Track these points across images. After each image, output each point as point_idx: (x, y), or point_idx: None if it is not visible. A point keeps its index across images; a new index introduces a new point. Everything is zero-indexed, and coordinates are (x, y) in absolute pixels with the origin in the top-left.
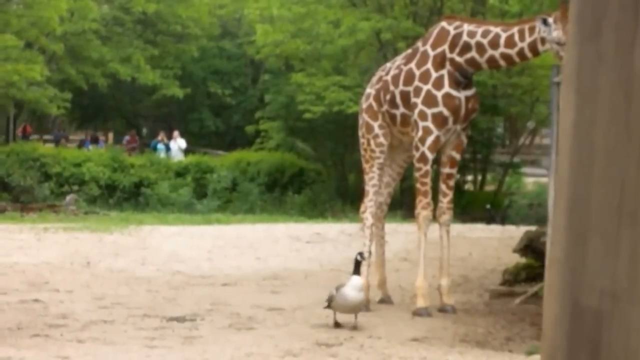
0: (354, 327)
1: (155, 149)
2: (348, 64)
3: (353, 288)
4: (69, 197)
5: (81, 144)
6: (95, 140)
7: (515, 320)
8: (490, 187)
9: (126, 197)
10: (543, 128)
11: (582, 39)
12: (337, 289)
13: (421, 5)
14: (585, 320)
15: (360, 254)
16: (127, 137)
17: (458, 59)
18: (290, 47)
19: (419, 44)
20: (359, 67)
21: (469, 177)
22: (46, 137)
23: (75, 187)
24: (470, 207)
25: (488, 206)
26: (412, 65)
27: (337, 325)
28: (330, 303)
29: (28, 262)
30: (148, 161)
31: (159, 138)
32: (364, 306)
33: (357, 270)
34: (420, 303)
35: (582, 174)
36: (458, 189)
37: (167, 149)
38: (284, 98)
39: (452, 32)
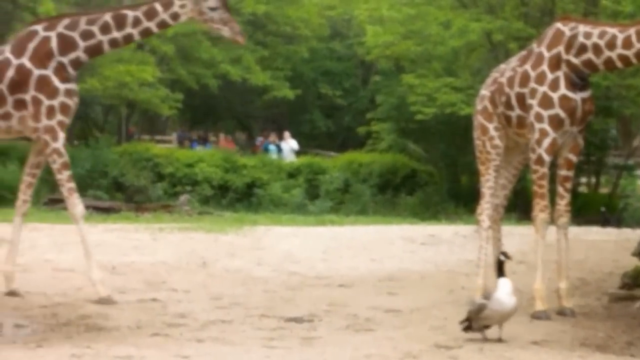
0: (500, 339)
1: (267, 149)
2: (459, 65)
3: (505, 292)
4: (182, 197)
5: (191, 145)
6: (204, 141)
7: (636, 325)
8: (604, 190)
9: (239, 197)
10: None
11: None
12: (486, 297)
13: (532, 5)
14: None
15: (504, 253)
16: (260, 138)
17: (574, 60)
18: (401, 48)
19: (534, 45)
20: (471, 69)
21: (583, 180)
22: (158, 137)
23: (188, 188)
24: (584, 210)
25: (603, 209)
26: (528, 66)
27: (486, 340)
28: (478, 314)
29: (145, 262)
30: (260, 162)
31: (271, 139)
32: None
33: (501, 272)
34: (539, 306)
35: None
36: (572, 191)
37: (279, 149)
38: (395, 99)
39: (568, 33)
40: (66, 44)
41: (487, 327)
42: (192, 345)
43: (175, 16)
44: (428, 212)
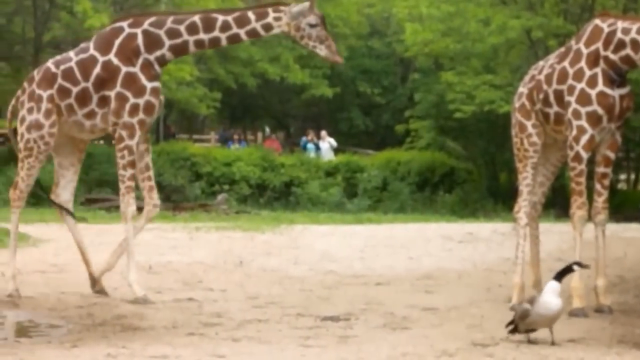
0: (553, 343)
1: (305, 148)
2: (498, 63)
3: (552, 295)
4: (220, 197)
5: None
6: (240, 140)
7: None
8: None
9: (276, 196)
10: None
11: None
12: (530, 301)
13: (572, 2)
14: None
15: (579, 263)
16: (304, 138)
17: (612, 56)
18: (440, 45)
19: (572, 42)
20: (510, 66)
21: (622, 176)
22: (196, 136)
23: (226, 187)
24: (623, 207)
25: None
26: (566, 63)
27: (531, 342)
28: (523, 319)
29: (181, 261)
30: (298, 161)
31: (309, 137)
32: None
33: (560, 276)
34: (577, 304)
35: None
36: (611, 188)
37: (317, 148)
38: (434, 97)
39: (606, 29)
40: (152, 42)
41: (532, 330)
42: (227, 344)
43: (267, 27)
44: (467, 210)
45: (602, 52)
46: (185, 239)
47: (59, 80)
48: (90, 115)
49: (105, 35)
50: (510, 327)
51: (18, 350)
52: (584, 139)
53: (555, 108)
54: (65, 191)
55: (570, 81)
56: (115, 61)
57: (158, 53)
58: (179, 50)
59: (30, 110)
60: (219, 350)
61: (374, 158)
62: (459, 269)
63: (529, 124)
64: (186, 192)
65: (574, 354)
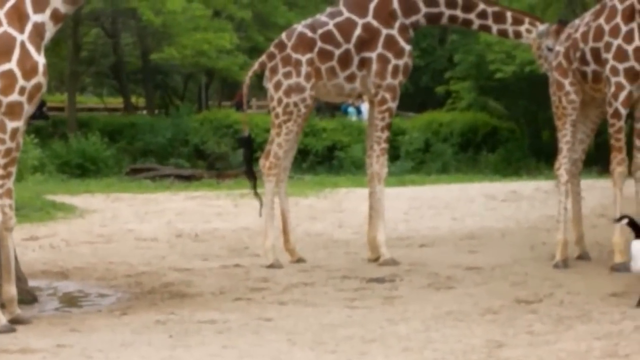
0: None
1: (346, 112)
2: None
3: None
4: None
5: None
6: None
7: None
8: None
9: (319, 160)
10: None
11: None
12: None
13: None
14: None
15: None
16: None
17: None
18: None
19: None
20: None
21: None
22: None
23: None
24: None
25: None
26: (601, 20)
27: None
28: None
29: (227, 228)
30: (340, 124)
31: (350, 101)
32: None
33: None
34: (618, 258)
35: None
36: None
37: (358, 111)
38: (474, 58)
39: None
40: (408, 7)
41: None
42: (274, 308)
43: (517, 34)
44: (510, 168)
45: (637, 7)
46: (229, 206)
47: (319, 44)
48: (351, 78)
49: (355, 0)
50: None
51: (69, 320)
52: (623, 95)
53: (593, 66)
54: (286, 159)
55: (606, 38)
56: (375, 23)
57: (414, 18)
58: (432, 20)
59: (287, 75)
60: (266, 314)
61: (415, 120)
62: (502, 227)
63: (566, 82)
64: (229, 160)
65: (617, 309)
